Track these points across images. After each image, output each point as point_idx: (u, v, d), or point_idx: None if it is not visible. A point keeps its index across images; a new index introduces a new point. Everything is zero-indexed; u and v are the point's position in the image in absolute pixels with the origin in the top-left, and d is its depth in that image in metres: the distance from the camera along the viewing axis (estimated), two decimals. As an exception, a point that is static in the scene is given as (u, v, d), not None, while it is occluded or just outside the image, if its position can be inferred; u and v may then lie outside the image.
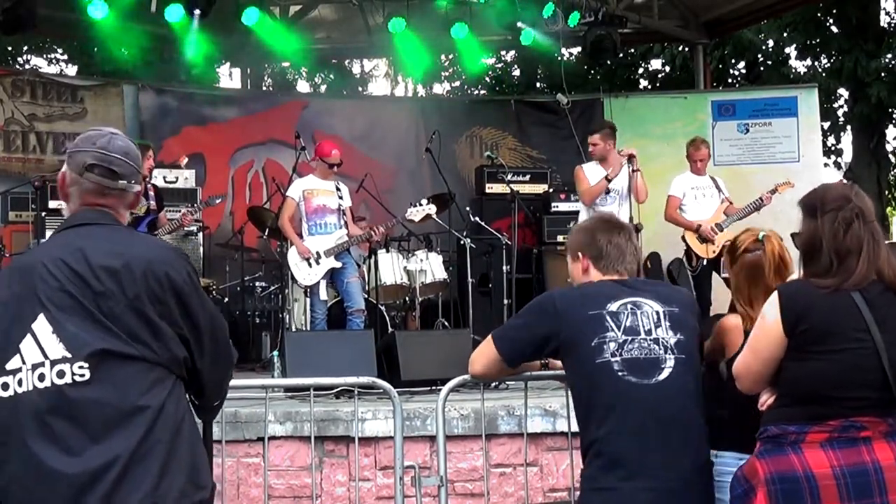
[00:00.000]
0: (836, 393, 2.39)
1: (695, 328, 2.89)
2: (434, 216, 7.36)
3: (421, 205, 7.13)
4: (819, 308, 2.42)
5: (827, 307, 2.41)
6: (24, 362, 2.07)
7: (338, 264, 6.95)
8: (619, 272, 2.95)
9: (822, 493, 2.34)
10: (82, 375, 2.05)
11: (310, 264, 6.91)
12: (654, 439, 2.69)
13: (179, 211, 8.05)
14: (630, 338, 2.76)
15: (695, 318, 2.92)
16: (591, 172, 7.04)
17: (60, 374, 2.05)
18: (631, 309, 2.80)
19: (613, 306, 2.79)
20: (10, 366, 2.08)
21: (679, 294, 2.99)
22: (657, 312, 2.81)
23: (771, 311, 2.49)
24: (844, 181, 2.68)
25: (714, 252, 7.26)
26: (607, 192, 6.91)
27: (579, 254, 3.01)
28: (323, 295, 6.97)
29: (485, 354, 3.00)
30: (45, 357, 2.07)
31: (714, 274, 7.30)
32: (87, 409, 2.04)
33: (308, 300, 7.07)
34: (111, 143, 2.25)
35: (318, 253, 6.90)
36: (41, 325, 2.09)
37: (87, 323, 2.08)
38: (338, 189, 7.14)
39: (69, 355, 2.06)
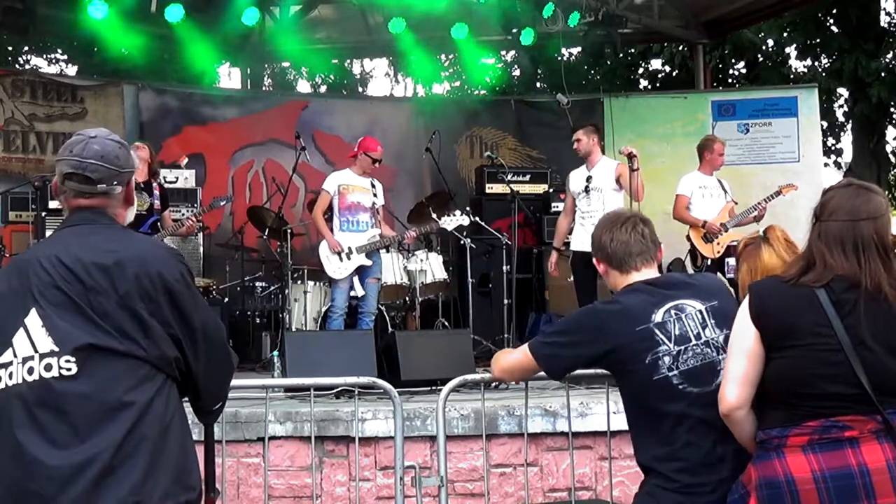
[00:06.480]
0: (803, 390, 2.35)
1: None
2: (465, 226, 7.34)
3: (455, 215, 7.17)
4: (778, 298, 2.42)
5: (786, 297, 2.41)
6: (15, 356, 2.11)
7: (368, 262, 6.96)
8: (637, 267, 2.87)
9: (802, 498, 2.30)
10: (69, 369, 2.08)
11: (341, 258, 6.90)
12: (720, 448, 2.64)
13: (180, 211, 8.05)
14: (682, 347, 2.70)
15: (734, 304, 2.78)
16: (574, 181, 6.97)
17: (48, 368, 2.08)
18: (675, 315, 2.73)
19: (658, 316, 2.72)
20: (2, 360, 2.12)
21: (715, 283, 2.91)
22: (700, 311, 2.75)
23: (744, 304, 2.50)
24: (853, 181, 2.60)
25: (718, 252, 7.21)
26: (587, 190, 6.78)
27: (594, 259, 2.99)
28: (359, 291, 6.96)
29: (520, 364, 2.93)
30: (35, 350, 2.09)
31: (718, 274, 7.26)
32: (73, 403, 2.06)
33: (331, 292, 7.05)
34: (86, 149, 2.25)
35: (349, 248, 6.90)
36: (33, 319, 2.12)
37: (76, 318, 2.11)
38: (373, 186, 7.11)
39: (56, 349, 2.08)
